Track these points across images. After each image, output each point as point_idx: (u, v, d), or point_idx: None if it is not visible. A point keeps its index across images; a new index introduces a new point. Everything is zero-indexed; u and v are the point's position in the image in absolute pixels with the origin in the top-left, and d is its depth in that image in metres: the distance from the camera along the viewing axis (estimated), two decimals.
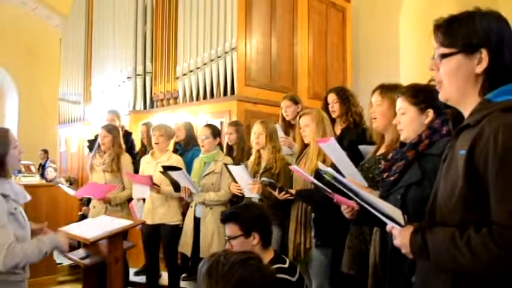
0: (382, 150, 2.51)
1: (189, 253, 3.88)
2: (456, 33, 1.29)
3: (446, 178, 1.29)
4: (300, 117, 3.27)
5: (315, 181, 2.30)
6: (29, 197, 2.46)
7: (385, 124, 2.46)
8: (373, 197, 1.45)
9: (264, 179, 3.23)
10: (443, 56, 1.31)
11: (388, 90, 2.48)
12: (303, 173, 2.66)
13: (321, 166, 1.83)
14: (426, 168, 1.81)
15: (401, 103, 2.00)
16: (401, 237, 1.36)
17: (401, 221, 1.38)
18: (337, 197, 2.11)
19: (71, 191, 4.60)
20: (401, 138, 2.00)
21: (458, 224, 1.21)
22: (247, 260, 1.38)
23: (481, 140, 1.17)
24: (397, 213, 1.40)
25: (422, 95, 1.96)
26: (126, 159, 4.34)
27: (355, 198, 1.45)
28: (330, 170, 1.45)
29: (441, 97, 1.37)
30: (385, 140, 2.51)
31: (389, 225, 1.43)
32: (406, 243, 1.33)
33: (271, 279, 1.42)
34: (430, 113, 1.93)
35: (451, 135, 1.75)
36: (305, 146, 3.24)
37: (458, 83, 1.30)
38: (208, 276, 1.33)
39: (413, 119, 1.96)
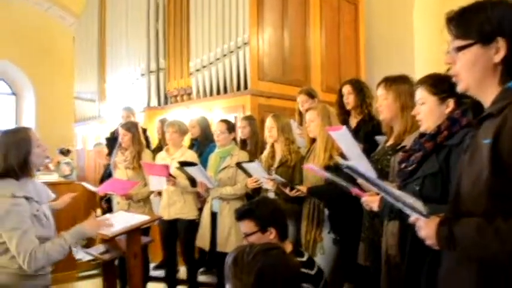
0: (390, 142, 2.50)
1: (206, 247, 3.91)
2: (469, 24, 1.28)
3: (470, 168, 1.28)
4: (306, 112, 3.27)
5: (332, 176, 2.29)
6: (53, 196, 2.50)
7: (392, 116, 2.45)
8: (394, 188, 1.45)
9: (275, 177, 3.24)
10: (459, 48, 1.30)
11: (393, 82, 2.47)
12: (317, 170, 2.66)
13: (340, 160, 1.82)
14: (444, 159, 1.79)
15: (420, 93, 1.97)
16: (427, 228, 1.35)
17: (424, 212, 1.37)
18: (355, 191, 2.11)
19: (93, 188, 4.68)
20: (421, 129, 1.98)
21: (484, 214, 1.20)
22: (269, 249, 1.42)
23: (505, 128, 1.16)
24: (418, 204, 1.39)
25: (443, 84, 1.91)
26: (147, 155, 4.40)
27: (377, 190, 1.45)
28: (350, 163, 1.44)
29: (460, 89, 1.36)
30: (394, 131, 2.50)
31: (413, 216, 1.42)
32: (432, 235, 1.32)
33: (294, 269, 1.46)
34: (451, 102, 1.90)
35: (471, 126, 1.75)
36: (313, 141, 3.24)
37: (476, 74, 1.29)
38: (234, 265, 1.39)
39: (433, 109, 1.93)
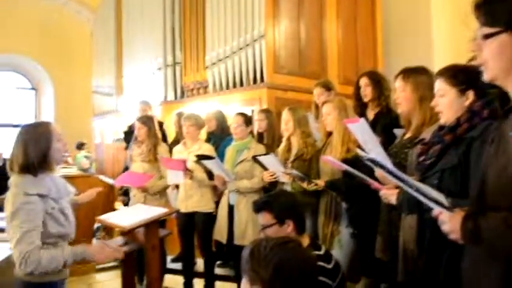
0: (408, 135, 2.47)
1: (224, 240, 3.93)
2: (498, 11, 1.24)
3: (496, 160, 1.26)
4: (322, 105, 3.25)
5: (351, 169, 2.28)
6: (72, 190, 2.48)
7: (410, 108, 2.42)
8: (417, 182, 1.42)
9: (291, 171, 3.23)
10: (487, 36, 1.26)
11: (411, 74, 2.43)
12: (335, 162, 2.64)
13: (361, 152, 1.80)
14: (464, 153, 1.76)
15: (440, 84, 1.93)
16: (451, 222, 1.33)
17: (448, 205, 1.35)
18: (373, 184, 2.09)
19: (110, 181, 4.74)
20: (441, 121, 1.93)
21: (511, 208, 1.17)
22: (287, 243, 1.42)
23: None
24: (441, 197, 1.37)
25: (462, 76, 1.88)
26: (162, 148, 4.44)
27: (399, 182, 1.42)
28: (373, 156, 1.42)
29: (486, 78, 1.32)
30: (412, 124, 2.47)
31: (437, 210, 1.39)
32: (457, 229, 1.30)
33: (311, 262, 1.45)
34: (471, 94, 1.85)
35: (492, 118, 1.71)
36: (329, 134, 3.21)
37: (504, 63, 1.25)
38: (251, 258, 1.39)
39: (452, 101, 1.89)
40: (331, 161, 2.71)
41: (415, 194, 1.39)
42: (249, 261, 1.39)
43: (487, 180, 1.29)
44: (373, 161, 1.39)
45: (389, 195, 2.14)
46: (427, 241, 1.86)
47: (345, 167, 2.41)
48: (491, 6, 1.27)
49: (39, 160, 2.20)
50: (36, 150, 2.20)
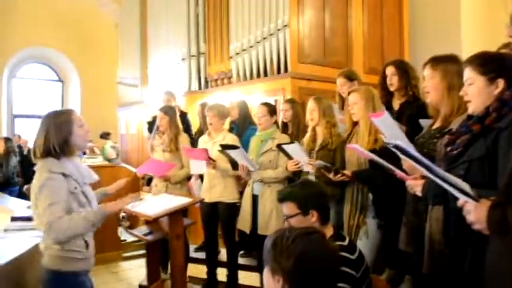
0: (437, 125, 2.41)
1: (247, 230, 3.94)
2: None
3: None
4: (348, 94, 3.20)
5: (377, 158, 2.24)
6: (96, 177, 2.53)
7: (439, 97, 2.35)
8: (443, 171, 1.39)
9: (318, 162, 3.20)
10: None
11: (440, 62, 2.37)
12: (362, 151, 2.61)
13: (387, 139, 1.77)
14: (492, 143, 1.69)
15: (468, 73, 1.86)
16: (477, 212, 1.30)
17: (474, 195, 1.31)
18: (399, 174, 2.05)
19: (133, 169, 4.81)
20: (469, 111, 1.87)
21: None
22: (309, 234, 1.41)
23: None
24: (467, 187, 1.33)
25: (492, 64, 1.80)
26: (183, 138, 4.48)
27: (425, 170, 1.39)
28: (399, 142, 1.38)
29: None
30: (440, 113, 2.41)
31: (462, 199, 1.36)
32: (482, 219, 1.27)
33: (333, 253, 1.44)
34: (501, 83, 1.77)
35: None
36: (354, 124, 3.17)
37: None
38: (273, 248, 1.39)
39: (481, 90, 1.81)
40: (358, 149, 2.68)
41: (441, 182, 1.36)
42: (271, 251, 1.39)
43: None
44: (398, 147, 1.36)
45: (414, 185, 2.10)
46: (453, 232, 1.82)
47: (371, 155, 2.38)
48: None
49: (60, 145, 2.25)
50: (57, 136, 2.26)
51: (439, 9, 6.56)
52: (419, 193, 2.06)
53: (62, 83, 12.30)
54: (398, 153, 1.40)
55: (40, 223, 2.17)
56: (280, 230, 1.48)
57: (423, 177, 2.01)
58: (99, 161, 6.59)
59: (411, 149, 1.39)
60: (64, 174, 2.22)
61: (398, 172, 2.09)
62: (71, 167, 2.30)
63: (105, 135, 8.31)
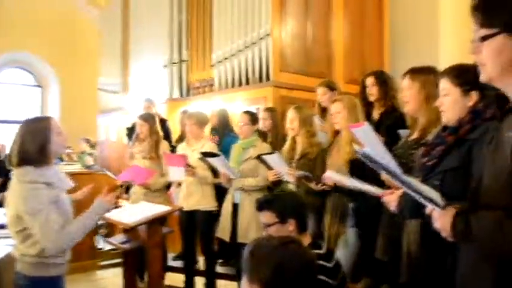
0: (415, 135, 2.44)
1: (227, 238, 3.92)
2: (496, 12, 1.23)
3: (493, 161, 1.25)
4: (331, 103, 3.22)
5: (353, 184, 2.21)
6: (71, 184, 2.50)
7: (417, 108, 2.39)
8: (411, 178, 1.41)
9: (299, 173, 3.21)
10: (484, 38, 1.25)
11: (418, 73, 2.41)
12: (336, 179, 2.62)
13: (357, 148, 1.79)
14: (466, 154, 1.73)
15: (444, 84, 1.90)
16: (442, 219, 1.32)
17: (441, 203, 1.33)
18: (375, 192, 2.03)
19: (114, 176, 4.75)
20: (444, 121, 1.92)
21: (504, 207, 1.16)
22: (287, 243, 1.41)
23: None
24: (435, 195, 1.35)
25: (467, 76, 1.84)
26: (164, 146, 4.45)
27: (394, 179, 1.41)
28: (368, 150, 1.40)
29: (483, 79, 1.31)
30: (418, 124, 2.44)
31: (429, 207, 1.38)
32: (447, 226, 1.29)
33: (311, 263, 1.44)
34: (474, 95, 1.83)
35: (494, 119, 1.69)
36: (337, 133, 3.19)
37: (502, 64, 1.24)
38: (251, 258, 1.39)
39: (456, 101, 1.86)
40: (332, 178, 2.69)
41: (408, 190, 1.39)
42: (249, 260, 1.39)
43: (483, 181, 1.29)
44: (366, 156, 1.38)
45: (389, 201, 2.07)
46: (430, 243, 1.83)
47: (346, 184, 2.38)
48: (488, 8, 1.25)
49: (36, 153, 2.23)
50: (34, 143, 2.23)
51: (418, 22, 6.68)
52: (394, 208, 2.04)
53: (41, 89, 12.12)
54: (366, 161, 1.41)
55: (35, 231, 2.15)
56: (258, 239, 1.49)
57: (398, 188, 2.01)
58: (76, 167, 6.50)
59: (380, 157, 1.40)
60: (48, 183, 2.21)
61: (374, 192, 2.06)
62: (52, 175, 2.28)
63: (92, 144, 8.26)
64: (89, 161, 7.41)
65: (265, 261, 1.35)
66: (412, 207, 1.84)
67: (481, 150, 1.44)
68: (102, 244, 5.52)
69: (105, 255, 5.48)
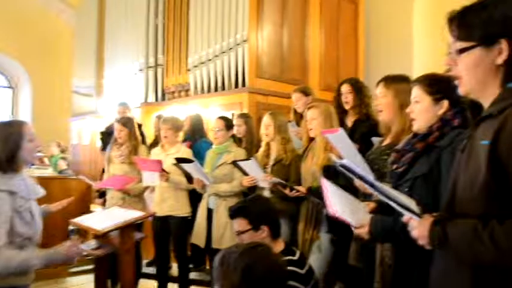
0: (387, 141, 2.48)
1: (202, 244, 3.89)
2: (472, 25, 1.25)
3: (467, 169, 1.26)
4: (307, 109, 3.24)
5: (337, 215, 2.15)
6: (41, 192, 2.42)
7: (391, 116, 2.43)
8: (387, 187, 1.42)
9: (273, 179, 3.22)
10: (461, 51, 1.27)
11: (393, 81, 2.45)
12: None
13: (334, 158, 1.80)
14: (435, 161, 1.77)
15: (416, 92, 1.95)
16: (420, 228, 1.33)
17: (418, 211, 1.35)
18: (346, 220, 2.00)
19: (91, 182, 4.67)
20: (414, 128, 1.96)
21: (480, 216, 1.18)
22: (255, 247, 1.45)
23: (505, 129, 1.14)
24: (412, 203, 1.37)
25: (439, 85, 1.89)
26: (143, 151, 4.41)
27: (371, 189, 1.42)
28: (344, 161, 1.42)
29: (461, 92, 1.33)
30: (391, 131, 2.48)
31: (407, 216, 1.39)
32: (425, 234, 1.30)
33: (279, 266, 1.45)
34: (445, 104, 1.87)
35: (462, 127, 1.74)
36: (311, 139, 3.21)
37: (478, 77, 1.26)
38: (221, 265, 1.41)
39: (427, 109, 1.90)
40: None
41: (385, 199, 1.40)
42: (219, 268, 1.41)
43: (457, 188, 1.30)
44: (344, 166, 1.39)
45: (360, 234, 1.97)
46: (403, 249, 1.85)
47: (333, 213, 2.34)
48: (465, 20, 1.27)
49: (8, 159, 2.16)
50: (5, 149, 2.16)
51: (392, 31, 6.80)
52: (366, 237, 2.01)
53: (12, 90, 11.85)
54: (345, 171, 1.42)
55: None
56: (228, 247, 1.51)
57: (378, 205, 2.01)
58: (48, 172, 6.37)
59: (357, 167, 1.41)
60: (11, 192, 2.11)
61: (345, 220, 2.02)
62: (18, 183, 2.19)
63: (64, 149, 8.11)
64: (62, 165, 7.28)
65: (233, 267, 1.36)
66: (383, 234, 1.86)
67: (452, 158, 1.47)
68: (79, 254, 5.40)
69: (77, 262, 5.36)
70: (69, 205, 2.85)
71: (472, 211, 1.21)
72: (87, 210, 5.12)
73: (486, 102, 1.28)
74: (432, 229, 1.28)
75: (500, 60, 1.22)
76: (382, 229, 1.81)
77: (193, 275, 4.45)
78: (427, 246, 1.32)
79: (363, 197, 2.34)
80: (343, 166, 1.40)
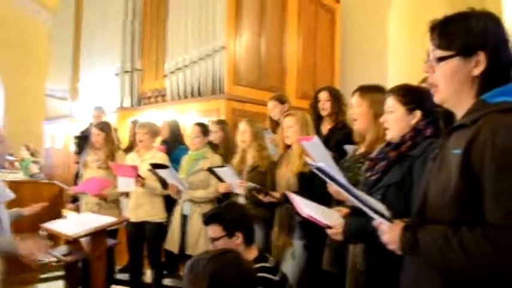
0: (362, 150, 2.52)
1: (176, 250, 3.86)
2: (453, 35, 1.28)
3: (438, 177, 1.29)
4: (284, 117, 3.27)
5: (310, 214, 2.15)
6: (11, 196, 2.38)
7: (366, 125, 2.46)
8: (361, 192, 1.45)
9: (248, 184, 3.23)
10: (440, 59, 1.30)
11: (368, 91, 2.49)
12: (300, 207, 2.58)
13: (310, 161, 1.82)
14: (406, 169, 1.81)
15: (390, 101, 1.99)
16: (390, 232, 1.35)
17: (388, 216, 1.37)
18: (322, 224, 2.02)
19: (67, 187, 4.58)
20: (387, 137, 2.00)
21: (451, 223, 1.20)
22: (223, 253, 1.44)
23: (477, 139, 1.16)
24: (383, 208, 1.40)
25: (412, 96, 1.95)
26: (120, 156, 4.35)
27: (344, 192, 1.44)
28: (321, 164, 1.43)
29: (437, 100, 1.36)
30: (366, 140, 2.52)
31: (378, 220, 1.42)
32: (396, 239, 1.32)
33: (248, 272, 1.45)
34: (418, 114, 1.92)
35: (434, 137, 1.78)
36: (288, 147, 3.23)
37: (455, 86, 1.29)
38: (190, 272, 1.40)
39: (400, 119, 1.94)
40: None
41: (358, 203, 1.42)
42: (188, 275, 1.40)
43: (429, 195, 1.32)
44: (320, 169, 1.41)
45: (334, 234, 2.01)
46: (375, 255, 1.88)
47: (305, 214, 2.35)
48: (446, 30, 1.30)
49: None
50: None
51: (368, 41, 6.90)
52: (340, 238, 2.04)
53: None
54: (320, 174, 1.44)
55: None
56: (199, 254, 1.51)
57: (352, 207, 2.03)
58: (19, 176, 6.23)
59: (332, 171, 1.43)
60: None
61: (320, 222, 2.05)
62: None
63: (34, 153, 7.95)
64: (34, 169, 7.14)
65: (201, 273, 1.36)
66: (357, 235, 1.88)
67: (424, 167, 1.50)
68: (43, 256, 5.30)
69: (46, 268, 5.25)
70: (41, 209, 2.81)
71: (442, 218, 1.24)
72: (59, 215, 5.03)
73: (460, 111, 1.31)
74: (402, 234, 1.30)
75: (476, 71, 1.25)
76: (356, 229, 1.84)
77: (167, 282, 4.40)
78: (397, 251, 1.35)
79: (336, 203, 2.36)
80: (318, 169, 1.42)
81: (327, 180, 1.50)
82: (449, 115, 1.37)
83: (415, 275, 1.36)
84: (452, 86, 1.29)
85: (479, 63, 1.25)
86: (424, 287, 1.31)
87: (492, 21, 1.28)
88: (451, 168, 1.22)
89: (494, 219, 1.11)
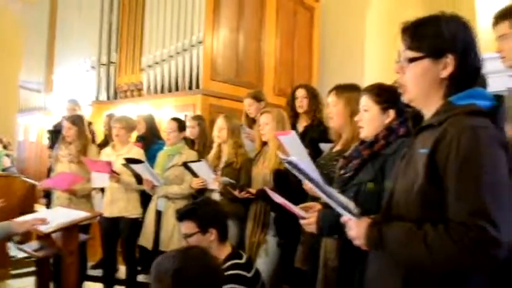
0: (337, 148, 2.55)
1: (149, 246, 3.84)
2: (423, 37, 1.31)
3: (405, 175, 1.32)
4: (260, 114, 3.28)
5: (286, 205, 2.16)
6: None
7: (342, 123, 2.49)
8: (331, 188, 1.47)
9: (224, 179, 3.23)
10: (410, 60, 1.33)
11: (344, 90, 2.51)
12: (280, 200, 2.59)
13: (282, 155, 1.83)
14: (380, 168, 1.85)
15: (365, 100, 2.03)
16: (357, 228, 1.38)
17: (355, 212, 1.40)
18: (296, 212, 2.05)
19: (35, 182, 4.50)
20: (361, 135, 2.03)
21: (416, 220, 1.23)
22: (188, 249, 1.46)
23: (443, 140, 1.19)
24: (350, 204, 1.42)
25: (387, 95, 1.98)
26: (93, 150, 4.27)
27: (314, 187, 1.46)
28: (293, 158, 1.45)
29: (405, 99, 1.39)
30: (342, 138, 2.55)
31: (345, 216, 1.44)
32: (361, 235, 1.35)
33: (213, 267, 1.45)
34: (391, 113, 1.96)
35: (407, 136, 1.81)
36: (264, 144, 3.25)
37: (423, 87, 1.32)
38: (155, 269, 1.41)
39: (374, 118, 1.98)
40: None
41: (327, 199, 1.44)
42: (154, 272, 1.41)
43: (395, 193, 1.36)
44: (291, 163, 1.42)
45: (308, 224, 2.03)
46: (347, 253, 1.90)
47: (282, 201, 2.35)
48: (417, 31, 1.33)
49: None
50: None
51: (346, 41, 6.97)
52: (314, 230, 2.06)
53: None
54: (291, 168, 1.46)
55: None
56: (168, 252, 1.53)
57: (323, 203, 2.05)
58: None
59: (304, 166, 1.45)
60: None
61: (294, 210, 2.07)
62: None
63: (6, 145, 7.77)
64: (6, 162, 6.99)
65: (164, 271, 1.37)
66: (330, 227, 1.91)
67: (394, 166, 1.53)
68: (14, 251, 5.20)
69: (18, 264, 5.16)
70: (12, 204, 2.75)
71: (408, 215, 1.26)
72: (30, 210, 4.94)
73: (428, 112, 1.34)
74: (368, 230, 1.33)
75: (445, 73, 1.29)
76: (329, 221, 1.85)
77: (141, 278, 4.37)
78: (363, 246, 1.37)
79: (311, 200, 2.38)
80: (289, 163, 1.43)
81: (297, 174, 1.52)
82: (417, 115, 1.41)
83: (377, 269, 1.40)
84: (421, 87, 1.32)
85: (447, 66, 1.28)
86: (386, 281, 1.35)
87: (462, 25, 1.32)
88: (418, 167, 1.25)
89: (458, 219, 1.14)
